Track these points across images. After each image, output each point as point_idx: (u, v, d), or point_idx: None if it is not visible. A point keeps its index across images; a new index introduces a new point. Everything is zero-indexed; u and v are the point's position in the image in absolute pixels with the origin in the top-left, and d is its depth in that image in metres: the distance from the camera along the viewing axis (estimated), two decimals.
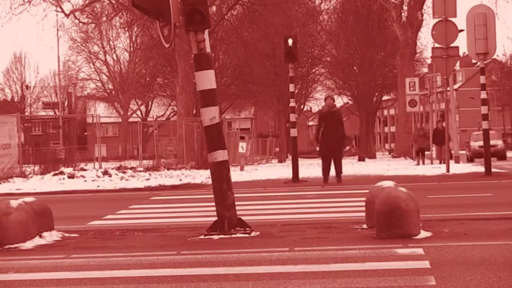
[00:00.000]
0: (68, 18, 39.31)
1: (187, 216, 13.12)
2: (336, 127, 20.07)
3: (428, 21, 41.59)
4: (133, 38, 67.67)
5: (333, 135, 19.99)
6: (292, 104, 23.76)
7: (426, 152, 34.10)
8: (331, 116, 20.20)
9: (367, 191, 10.29)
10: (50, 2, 36.47)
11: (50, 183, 23.01)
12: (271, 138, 63.20)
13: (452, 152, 31.33)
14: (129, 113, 72.64)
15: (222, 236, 9.51)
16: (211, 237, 9.52)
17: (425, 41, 58.84)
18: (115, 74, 73.46)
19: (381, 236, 8.84)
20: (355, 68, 55.55)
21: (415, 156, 34.27)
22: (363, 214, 10.09)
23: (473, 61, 73.92)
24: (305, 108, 77.63)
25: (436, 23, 22.41)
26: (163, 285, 6.75)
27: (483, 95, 21.77)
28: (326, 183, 20.00)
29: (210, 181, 11.15)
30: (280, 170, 29.30)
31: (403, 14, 39.65)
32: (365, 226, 9.91)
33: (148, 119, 68.48)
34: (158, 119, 53.37)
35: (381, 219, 8.91)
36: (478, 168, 24.42)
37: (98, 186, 21.90)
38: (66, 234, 10.27)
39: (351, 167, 28.38)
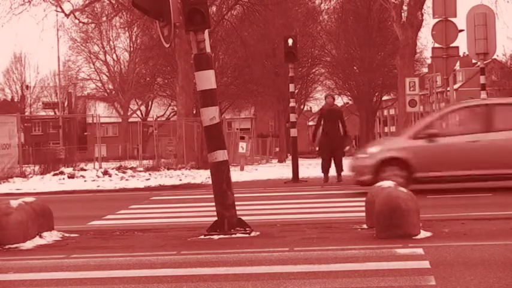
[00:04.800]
0: (68, 18, 39.21)
1: (187, 216, 13.12)
2: (336, 126, 20.04)
3: (428, 21, 41.48)
4: (133, 38, 67.60)
5: (333, 134, 19.96)
6: (292, 104, 23.74)
7: None
8: (331, 115, 20.18)
9: (367, 191, 10.29)
10: (50, 2, 36.41)
11: (50, 183, 23.00)
12: (271, 138, 63.16)
13: None
14: (129, 113, 72.61)
15: (222, 236, 9.50)
16: (211, 237, 9.52)
17: (425, 41, 58.78)
18: (115, 74, 73.41)
19: (381, 236, 8.85)
20: (355, 68, 55.52)
21: None
22: (363, 214, 10.09)
23: (473, 61, 73.88)
24: (305, 108, 77.61)
25: (436, 23, 22.40)
26: (163, 285, 6.75)
27: (483, 95, 21.75)
28: (326, 182, 19.98)
29: (210, 181, 11.15)
30: (280, 170, 29.29)
31: (403, 14, 39.58)
32: (365, 226, 9.91)
33: (148, 119, 68.45)
34: (158, 119, 53.37)
35: (380, 219, 8.91)
36: None
37: (98, 186, 21.89)
38: (66, 234, 10.27)
39: None
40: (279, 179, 22.88)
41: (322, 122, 20.30)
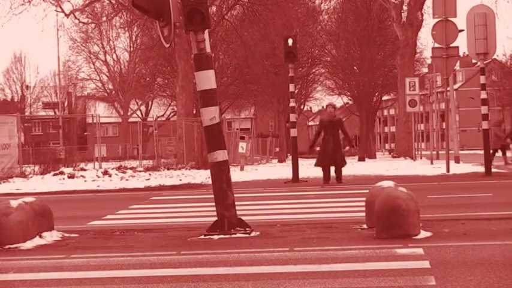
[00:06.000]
0: (68, 18, 39.32)
1: (187, 216, 13.11)
2: (337, 136, 20.05)
3: (428, 21, 41.63)
4: (133, 38, 67.72)
5: (334, 145, 19.97)
6: (292, 104, 23.75)
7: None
8: (331, 126, 20.19)
9: (367, 191, 10.29)
10: (50, 2, 36.49)
11: (50, 183, 23.00)
12: (271, 138, 63.17)
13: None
14: (129, 113, 72.68)
15: (222, 236, 9.50)
16: (211, 237, 9.52)
17: (425, 41, 59.00)
18: (115, 74, 73.51)
19: (381, 236, 8.84)
20: (355, 68, 55.49)
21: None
22: (363, 214, 10.08)
23: (473, 61, 73.94)
24: (305, 108, 77.70)
25: (436, 23, 22.42)
26: (163, 285, 6.75)
27: (483, 95, 21.77)
28: (326, 183, 19.99)
29: (210, 181, 11.15)
30: (280, 170, 29.29)
31: (403, 14, 39.65)
32: (365, 226, 9.91)
33: (148, 119, 68.49)
34: (158, 119, 53.38)
35: (381, 219, 8.91)
36: (478, 168, 24.43)
37: (98, 186, 21.89)
38: (66, 234, 10.27)
39: (351, 167, 28.34)
40: (279, 179, 22.89)
41: (322, 132, 20.33)
